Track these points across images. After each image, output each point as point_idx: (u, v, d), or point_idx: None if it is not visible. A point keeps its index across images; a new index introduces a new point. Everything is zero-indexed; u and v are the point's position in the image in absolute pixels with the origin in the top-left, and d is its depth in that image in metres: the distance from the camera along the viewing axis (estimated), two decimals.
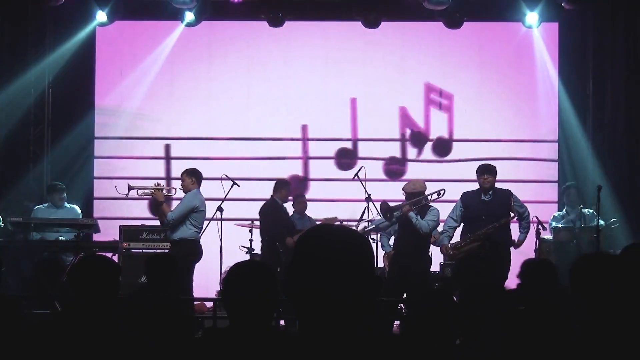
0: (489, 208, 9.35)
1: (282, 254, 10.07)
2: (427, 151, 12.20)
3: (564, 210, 10.77)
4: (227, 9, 11.80)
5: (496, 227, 9.24)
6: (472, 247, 9.34)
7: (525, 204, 9.96)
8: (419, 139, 12.20)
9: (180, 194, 10.09)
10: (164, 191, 9.99)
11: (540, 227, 10.12)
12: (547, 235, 10.43)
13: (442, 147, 12.16)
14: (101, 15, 11.52)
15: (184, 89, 12.21)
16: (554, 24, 11.97)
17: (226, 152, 12.06)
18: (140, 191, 10.06)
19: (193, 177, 9.84)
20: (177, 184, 10.50)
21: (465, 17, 11.50)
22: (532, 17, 11.52)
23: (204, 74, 12.21)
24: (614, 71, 11.61)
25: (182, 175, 9.99)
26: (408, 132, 12.21)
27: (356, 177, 10.51)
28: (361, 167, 10.47)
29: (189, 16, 11.54)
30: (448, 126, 12.18)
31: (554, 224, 10.62)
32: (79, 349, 3.83)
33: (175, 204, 10.08)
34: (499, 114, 12.14)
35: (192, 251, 9.66)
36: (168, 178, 11.93)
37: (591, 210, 10.28)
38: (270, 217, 10.31)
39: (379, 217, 9.73)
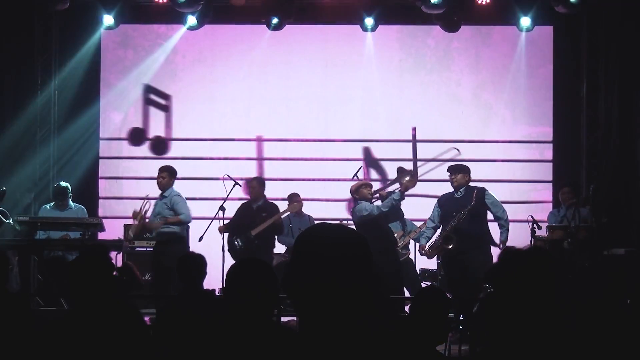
0: (460, 204, 9.47)
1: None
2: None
3: (561, 208, 10.76)
4: (229, 13, 11.81)
5: (460, 219, 9.33)
6: (441, 243, 9.46)
7: (521, 204, 10.02)
8: None
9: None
10: (145, 211, 9.97)
11: (535, 226, 10.12)
12: (542, 234, 10.42)
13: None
14: (108, 19, 11.52)
15: (187, 90, 12.22)
16: (549, 27, 11.98)
17: (228, 153, 12.07)
18: (132, 232, 10.15)
19: (173, 175, 9.99)
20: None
21: (462, 21, 11.51)
22: (526, 21, 11.53)
23: (206, 76, 12.22)
24: (607, 73, 11.62)
25: (162, 172, 10.02)
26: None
27: (355, 178, 10.53)
28: (360, 168, 10.49)
29: (192, 20, 11.55)
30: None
31: (552, 220, 10.58)
32: (82, 345, 3.85)
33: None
34: (495, 116, 12.15)
35: (184, 246, 9.77)
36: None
37: (586, 209, 10.29)
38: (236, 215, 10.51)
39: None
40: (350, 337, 2.09)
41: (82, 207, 10.88)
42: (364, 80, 12.16)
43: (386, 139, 12.18)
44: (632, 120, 11.30)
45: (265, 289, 3.14)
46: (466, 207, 9.38)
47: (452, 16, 11.39)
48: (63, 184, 10.93)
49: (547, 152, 12.08)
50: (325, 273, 2.09)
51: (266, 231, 10.07)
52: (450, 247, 9.34)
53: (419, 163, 11.67)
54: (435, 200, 9.86)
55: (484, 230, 9.52)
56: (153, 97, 12.22)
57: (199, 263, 6.25)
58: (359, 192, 10.02)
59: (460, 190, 9.53)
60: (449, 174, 9.67)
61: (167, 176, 9.97)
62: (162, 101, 12.24)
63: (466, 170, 9.65)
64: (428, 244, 9.71)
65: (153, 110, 12.23)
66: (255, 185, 10.49)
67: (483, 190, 9.58)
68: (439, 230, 9.72)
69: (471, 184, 9.65)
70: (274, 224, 10.01)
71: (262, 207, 10.37)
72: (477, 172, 10.79)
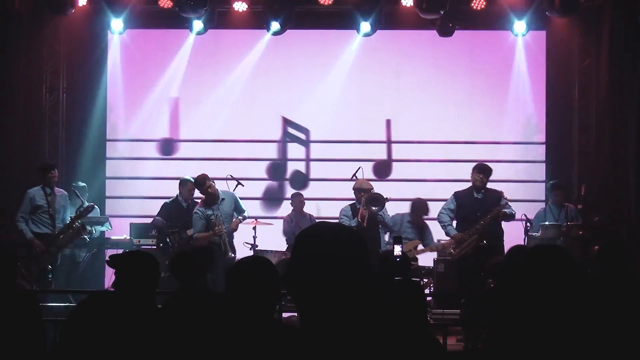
0: (483, 205, 9.53)
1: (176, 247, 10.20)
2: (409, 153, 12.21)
3: (548, 207, 10.78)
4: (232, 18, 11.82)
5: (488, 219, 9.38)
6: (471, 241, 9.44)
7: (515, 203, 10.02)
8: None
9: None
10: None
11: (528, 224, 10.13)
12: (535, 233, 10.43)
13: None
14: (116, 24, 11.54)
15: (191, 93, 12.23)
16: (542, 32, 11.99)
17: (231, 154, 12.08)
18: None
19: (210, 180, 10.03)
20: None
21: (457, 25, 11.52)
22: (520, 25, 11.56)
23: (209, 79, 12.22)
24: (599, 76, 11.64)
25: (204, 186, 10.00)
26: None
27: (354, 178, 10.54)
28: (359, 168, 10.49)
29: (197, 25, 11.56)
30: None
31: (546, 222, 10.58)
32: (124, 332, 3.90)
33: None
34: (489, 118, 12.15)
35: None
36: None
37: (575, 208, 10.34)
38: (164, 213, 10.57)
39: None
40: (349, 332, 2.09)
41: (95, 206, 10.88)
42: (363, 83, 12.18)
43: (383, 140, 12.20)
44: (623, 121, 11.31)
45: (266, 286, 3.15)
46: (490, 210, 9.47)
47: (447, 22, 11.41)
48: (81, 183, 10.95)
49: (540, 152, 12.10)
50: (324, 270, 2.10)
51: None
52: (484, 242, 9.39)
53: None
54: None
55: (500, 230, 9.57)
56: (158, 99, 12.22)
57: (196, 260, 6.10)
58: (355, 194, 10.12)
59: (481, 191, 9.56)
60: (475, 171, 9.67)
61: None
62: (167, 103, 12.24)
63: (490, 174, 9.69)
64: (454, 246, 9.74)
65: (158, 112, 12.23)
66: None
67: (501, 193, 9.62)
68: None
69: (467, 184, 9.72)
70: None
71: (191, 205, 10.41)
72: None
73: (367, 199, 9.96)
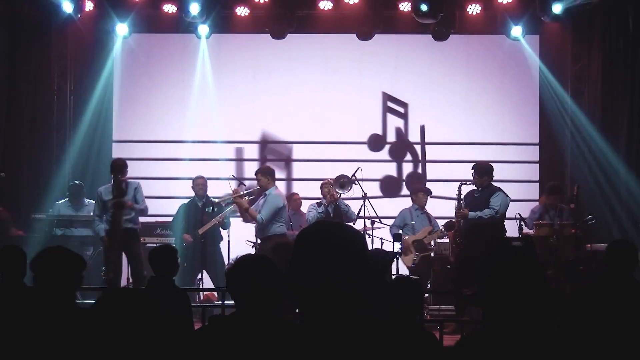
0: (476, 203, 9.41)
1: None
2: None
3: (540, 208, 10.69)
4: (235, 22, 11.83)
5: (460, 208, 9.37)
6: (442, 230, 9.58)
7: (510, 203, 9.99)
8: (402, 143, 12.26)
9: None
10: (244, 196, 9.83)
11: (522, 223, 10.12)
12: (529, 231, 10.42)
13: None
14: (121, 28, 11.56)
15: (195, 96, 12.22)
16: (536, 36, 12.00)
17: (233, 154, 12.08)
18: (224, 202, 9.97)
19: (268, 176, 9.81)
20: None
21: (453, 30, 11.54)
22: (516, 30, 11.58)
23: (212, 81, 12.22)
24: (591, 79, 11.66)
25: (257, 175, 9.89)
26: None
27: (353, 178, 10.53)
28: (358, 168, 10.49)
29: (202, 29, 11.59)
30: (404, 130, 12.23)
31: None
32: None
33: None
34: (485, 119, 12.16)
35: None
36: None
37: (568, 208, 10.30)
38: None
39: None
40: (348, 328, 2.09)
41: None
42: (361, 86, 12.19)
43: (382, 140, 12.22)
44: (614, 122, 11.33)
45: (266, 283, 3.13)
46: (478, 210, 9.35)
47: (442, 27, 11.43)
48: (77, 182, 10.91)
49: (534, 153, 12.11)
50: (325, 268, 2.10)
51: (211, 228, 10.18)
52: (452, 232, 9.35)
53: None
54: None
55: (496, 227, 9.40)
56: (162, 101, 12.23)
57: (172, 255, 6.02)
58: (322, 191, 10.14)
59: (479, 190, 9.48)
60: (472, 171, 9.58)
61: (261, 178, 9.79)
62: (171, 105, 12.24)
63: (486, 172, 9.50)
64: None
65: (162, 114, 12.24)
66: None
67: (495, 190, 9.49)
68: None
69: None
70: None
71: (206, 203, 10.36)
72: (468, 172, 10.79)
73: (335, 181, 10.04)
